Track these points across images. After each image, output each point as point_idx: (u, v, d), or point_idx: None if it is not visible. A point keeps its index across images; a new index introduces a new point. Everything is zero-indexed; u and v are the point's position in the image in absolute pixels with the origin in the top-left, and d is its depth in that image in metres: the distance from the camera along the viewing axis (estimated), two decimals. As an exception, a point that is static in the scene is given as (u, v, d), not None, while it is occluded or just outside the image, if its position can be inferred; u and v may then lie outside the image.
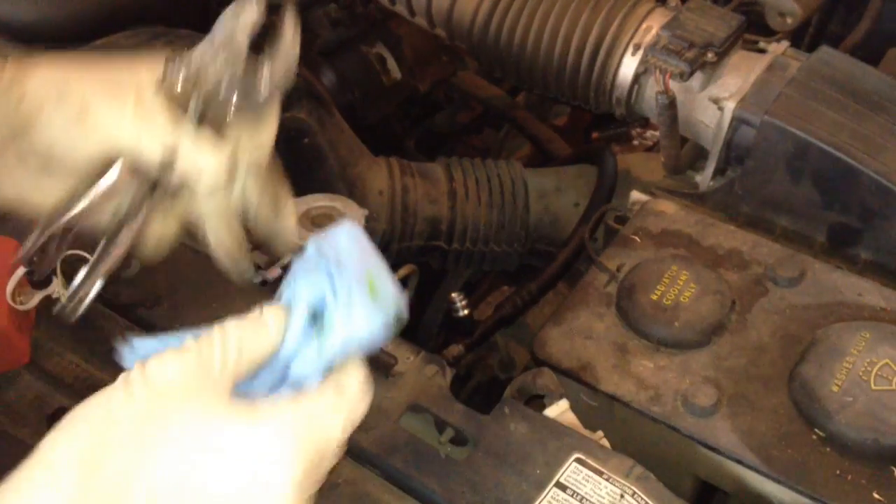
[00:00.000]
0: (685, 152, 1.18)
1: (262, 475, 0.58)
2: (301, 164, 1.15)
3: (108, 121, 0.68)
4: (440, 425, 0.83)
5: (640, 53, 1.12)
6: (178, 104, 0.68)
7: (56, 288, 0.89)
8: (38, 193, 0.72)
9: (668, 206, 1.07)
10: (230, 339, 0.61)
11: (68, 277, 0.89)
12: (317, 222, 1.01)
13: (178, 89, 0.68)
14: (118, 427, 0.58)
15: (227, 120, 0.69)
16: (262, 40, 0.68)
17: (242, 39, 0.67)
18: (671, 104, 1.09)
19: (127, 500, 0.56)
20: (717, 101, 1.08)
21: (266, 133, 0.71)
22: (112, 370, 0.61)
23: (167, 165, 0.68)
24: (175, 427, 0.58)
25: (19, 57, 0.71)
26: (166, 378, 0.59)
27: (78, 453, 0.57)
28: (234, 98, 0.68)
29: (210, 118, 0.69)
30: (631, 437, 0.89)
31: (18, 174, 0.71)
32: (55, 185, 0.71)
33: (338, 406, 0.62)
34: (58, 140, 0.69)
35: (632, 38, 1.14)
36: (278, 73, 0.68)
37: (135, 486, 0.57)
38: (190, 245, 0.80)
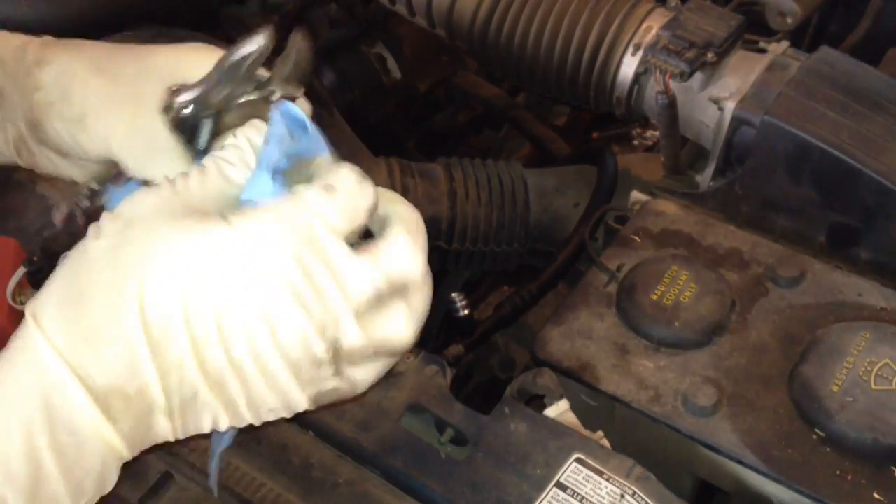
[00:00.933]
0: (685, 152, 1.18)
1: (259, 266, 0.57)
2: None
3: (103, 132, 0.69)
4: (440, 425, 0.83)
5: (640, 53, 1.12)
6: (183, 128, 0.68)
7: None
8: (69, 172, 0.75)
9: (668, 206, 1.07)
10: (193, 174, 0.62)
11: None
12: None
13: (183, 114, 0.67)
14: (92, 262, 0.57)
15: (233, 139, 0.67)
16: (272, 62, 0.67)
17: (252, 66, 0.65)
18: (671, 104, 1.09)
19: (118, 327, 0.56)
20: (717, 101, 1.08)
21: None
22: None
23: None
24: (153, 243, 0.57)
25: (44, 40, 0.73)
26: (134, 208, 0.59)
27: (56, 300, 0.57)
28: (244, 123, 0.67)
29: (218, 139, 0.68)
30: (631, 437, 0.89)
31: (45, 156, 0.74)
32: (79, 169, 0.75)
33: (330, 199, 0.59)
34: (64, 138, 0.71)
35: (632, 38, 1.14)
36: (288, 86, 0.67)
37: (124, 310, 0.56)
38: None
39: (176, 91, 0.67)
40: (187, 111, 0.67)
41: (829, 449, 0.83)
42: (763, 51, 1.13)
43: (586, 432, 0.83)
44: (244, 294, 0.57)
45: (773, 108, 1.03)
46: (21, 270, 0.86)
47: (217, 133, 0.68)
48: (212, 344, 0.57)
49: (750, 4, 1.29)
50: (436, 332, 1.31)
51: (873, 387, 0.84)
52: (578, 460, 0.79)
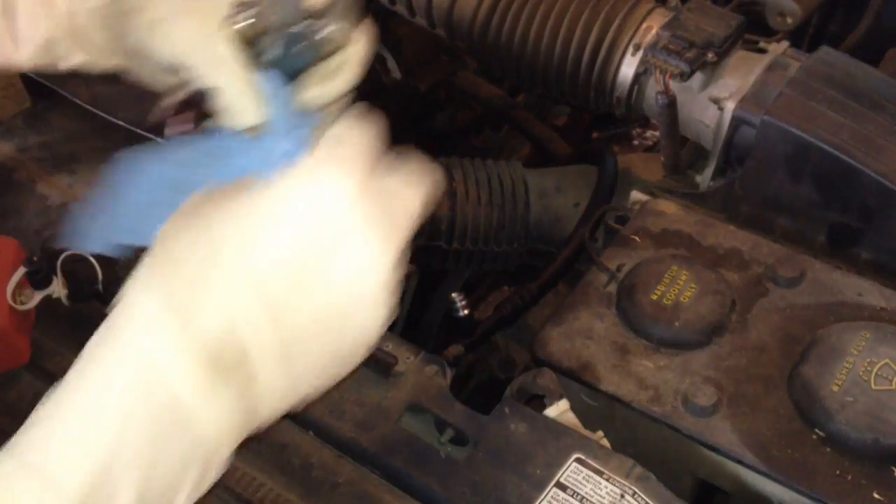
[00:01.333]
0: (685, 152, 1.18)
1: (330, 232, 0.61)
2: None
3: (170, 39, 0.71)
4: (440, 425, 0.83)
5: (640, 53, 1.12)
6: (246, 45, 0.69)
7: (56, 288, 0.89)
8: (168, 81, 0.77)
9: (668, 206, 1.07)
10: None
11: (68, 277, 0.89)
12: None
13: (241, 26, 0.68)
14: (179, 234, 0.60)
15: (297, 71, 0.69)
16: None
17: None
18: (671, 104, 1.09)
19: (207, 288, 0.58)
20: (717, 101, 1.08)
21: (336, 83, 0.72)
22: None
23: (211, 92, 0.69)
24: (231, 207, 0.61)
25: None
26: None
27: (157, 282, 0.58)
28: (295, 48, 0.68)
29: (281, 68, 0.69)
30: (631, 437, 0.89)
31: (143, 61, 0.76)
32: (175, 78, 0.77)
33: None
34: (139, 46, 0.73)
35: (632, 38, 1.14)
36: (342, 20, 0.68)
37: (227, 265, 0.59)
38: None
39: (238, 3, 0.69)
40: (246, 23, 0.68)
41: (829, 449, 0.83)
42: (763, 51, 1.13)
43: (586, 432, 0.83)
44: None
45: (773, 108, 1.03)
46: (21, 270, 0.86)
47: (279, 59, 0.69)
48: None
49: (750, 4, 1.29)
50: (436, 332, 1.32)
51: (873, 387, 0.84)
52: (578, 460, 0.79)
